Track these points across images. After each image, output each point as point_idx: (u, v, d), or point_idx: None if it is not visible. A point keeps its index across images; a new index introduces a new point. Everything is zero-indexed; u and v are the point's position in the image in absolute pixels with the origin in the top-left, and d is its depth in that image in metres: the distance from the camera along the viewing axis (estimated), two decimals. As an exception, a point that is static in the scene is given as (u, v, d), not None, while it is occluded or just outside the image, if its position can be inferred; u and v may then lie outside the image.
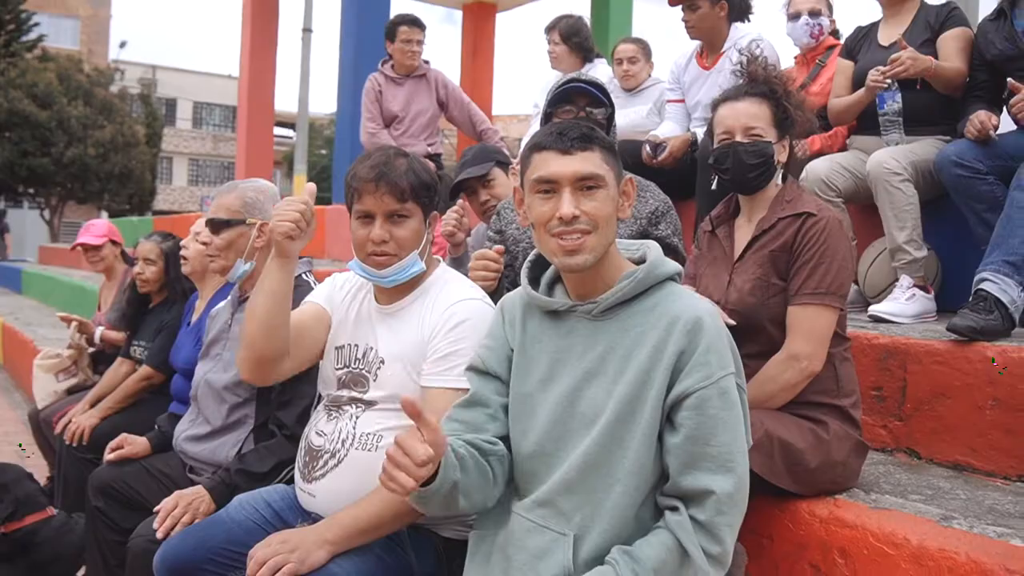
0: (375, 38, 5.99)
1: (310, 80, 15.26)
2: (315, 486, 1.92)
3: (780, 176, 2.13)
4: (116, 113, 26.34)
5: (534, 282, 1.66)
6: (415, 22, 5.01)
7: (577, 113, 2.53)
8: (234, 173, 18.16)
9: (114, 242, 4.52)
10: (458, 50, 10.67)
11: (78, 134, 24.54)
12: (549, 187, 1.53)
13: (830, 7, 3.89)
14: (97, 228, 4.52)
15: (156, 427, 2.83)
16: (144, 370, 3.43)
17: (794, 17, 3.80)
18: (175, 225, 9.62)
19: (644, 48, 4.52)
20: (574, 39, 4.52)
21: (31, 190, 25.88)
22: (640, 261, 1.60)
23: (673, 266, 1.57)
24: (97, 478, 2.60)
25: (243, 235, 2.52)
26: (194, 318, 3.12)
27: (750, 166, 2.06)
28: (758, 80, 2.15)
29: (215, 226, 2.56)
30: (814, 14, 3.75)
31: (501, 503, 1.62)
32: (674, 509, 1.44)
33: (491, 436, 1.60)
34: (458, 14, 10.83)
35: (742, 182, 2.10)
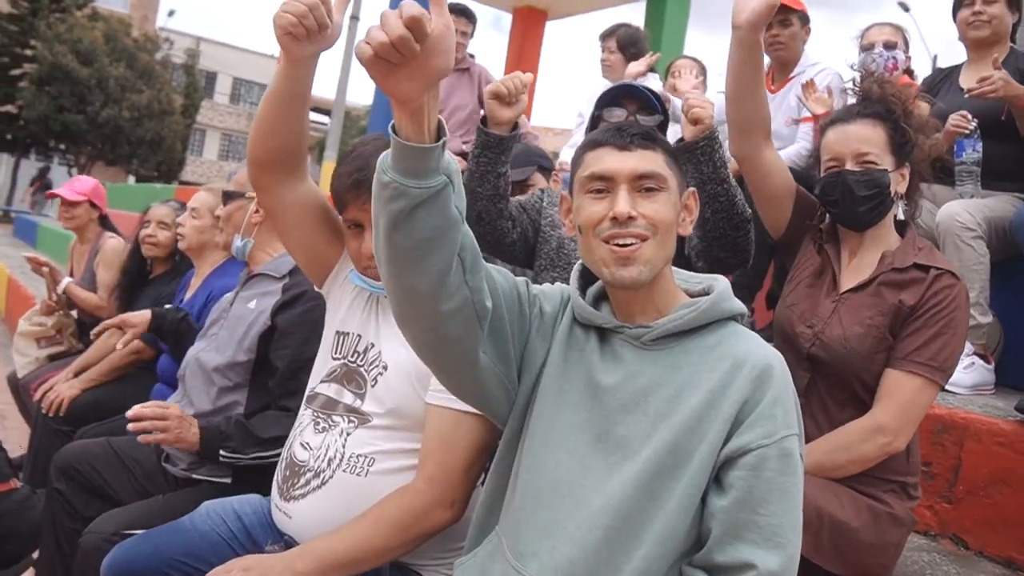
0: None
1: (351, 69, 15.15)
2: (293, 506, 1.67)
3: (900, 210, 1.87)
4: (156, 80, 26.43)
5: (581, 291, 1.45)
6: (464, 12, 4.79)
7: (627, 118, 2.33)
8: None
9: (93, 204, 4.24)
10: (503, 55, 10.50)
11: (115, 95, 24.60)
12: (603, 185, 1.32)
13: (906, 43, 3.66)
14: (80, 184, 4.27)
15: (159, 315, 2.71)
16: (134, 343, 3.23)
17: (867, 48, 3.57)
18: (197, 197, 9.47)
19: (700, 66, 4.30)
20: (631, 49, 4.32)
21: (62, 146, 25.97)
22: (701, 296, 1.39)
23: (741, 306, 1.35)
24: (62, 457, 2.38)
25: (241, 208, 2.36)
26: (188, 295, 2.93)
27: (861, 198, 1.80)
28: (873, 98, 1.89)
29: (225, 198, 2.46)
30: (889, 46, 3.50)
31: (493, 550, 1.35)
32: None
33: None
34: (506, 20, 10.65)
35: (852, 216, 1.84)
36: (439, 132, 1.14)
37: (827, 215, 1.96)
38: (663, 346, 1.30)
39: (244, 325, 2.27)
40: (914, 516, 1.77)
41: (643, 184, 1.30)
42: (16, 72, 24.85)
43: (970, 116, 2.73)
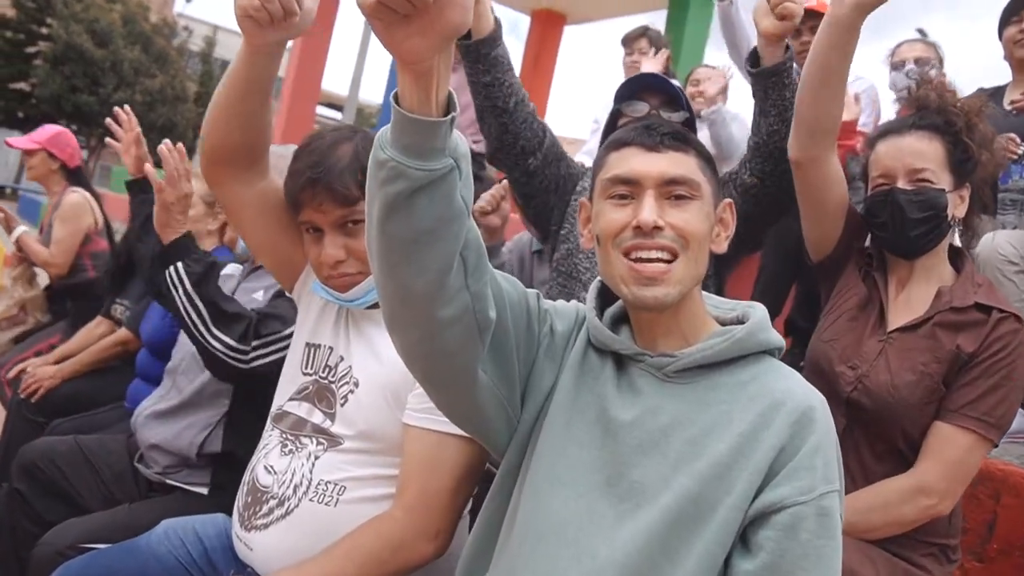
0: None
1: (366, 66, 15.05)
2: (255, 537, 1.50)
3: (956, 236, 1.69)
4: (171, 65, 26.39)
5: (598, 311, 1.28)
6: None
7: (649, 113, 2.15)
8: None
9: (52, 155, 3.90)
10: (518, 61, 10.39)
11: (129, 78, 24.55)
12: (626, 190, 1.16)
13: (940, 60, 3.48)
14: (39, 133, 3.94)
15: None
16: (122, 333, 3.09)
17: (898, 66, 3.39)
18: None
19: (724, 74, 4.11)
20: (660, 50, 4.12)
21: (74, 127, 25.92)
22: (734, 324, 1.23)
23: (779, 338, 1.18)
24: (25, 455, 2.22)
25: None
26: None
27: (914, 221, 1.61)
28: (930, 108, 1.68)
29: None
30: (921, 63, 3.29)
31: None
32: None
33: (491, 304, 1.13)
34: (523, 26, 10.55)
35: (903, 241, 1.65)
36: (449, 106, 0.96)
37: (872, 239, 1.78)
38: (689, 379, 1.14)
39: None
40: None
41: (673, 190, 1.15)
42: (31, 50, 24.84)
43: (1018, 139, 2.56)
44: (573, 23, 10.52)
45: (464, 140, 1.01)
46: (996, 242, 2.50)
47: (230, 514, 1.63)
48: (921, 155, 1.63)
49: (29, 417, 2.90)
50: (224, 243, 2.74)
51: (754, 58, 1.94)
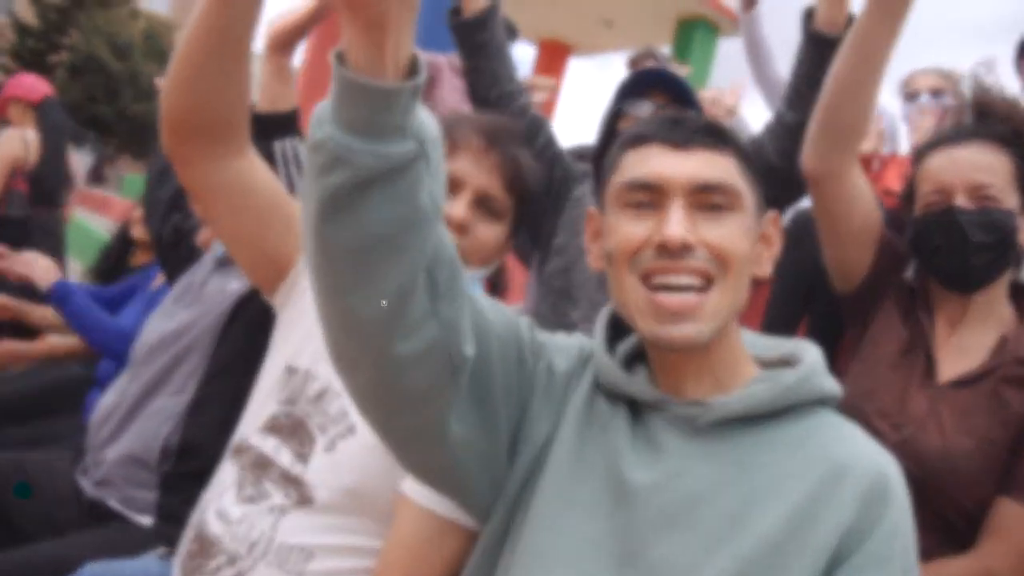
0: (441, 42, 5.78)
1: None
2: None
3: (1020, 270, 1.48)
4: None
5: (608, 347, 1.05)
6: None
7: (655, 112, 1.87)
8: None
9: (19, 100, 3.78)
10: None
11: (147, 92, 24.89)
12: (648, 197, 0.94)
13: (956, 90, 3.37)
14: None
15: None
16: (72, 341, 2.92)
17: (912, 96, 3.10)
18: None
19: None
20: None
21: (91, 136, 26.25)
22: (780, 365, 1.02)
23: (836, 386, 0.98)
24: None
25: None
26: (155, 283, 2.78)
27: (977, 245, 1.35)
28: (995, 117, 1.46)
29: None
30: (937, 93, 2.98)
31: None
32: None
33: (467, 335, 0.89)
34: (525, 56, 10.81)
35: (961, 270, 1.39)
36: (411, 71, 0.74)
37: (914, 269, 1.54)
38: (725, 435, 0.92)
39: (223, 298, 1.91)
40: None
41: (707, 199, 0.92)
42: (53, 59, 25.27)
43: None
44: (579, 54, 10.74)
45: (433, 120, 0.79)
46: None
47: (173, 547, 1.41)
48: (985, 168, 1.38)
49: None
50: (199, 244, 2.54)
51: (809, 17, 1.71)
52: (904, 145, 3.31)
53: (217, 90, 1.25)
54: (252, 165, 1.36)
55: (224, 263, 2.01)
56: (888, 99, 3.39)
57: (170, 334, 1.91)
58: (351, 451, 1.22)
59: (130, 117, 24.78)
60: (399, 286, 0.78)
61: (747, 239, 0.94)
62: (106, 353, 2.53)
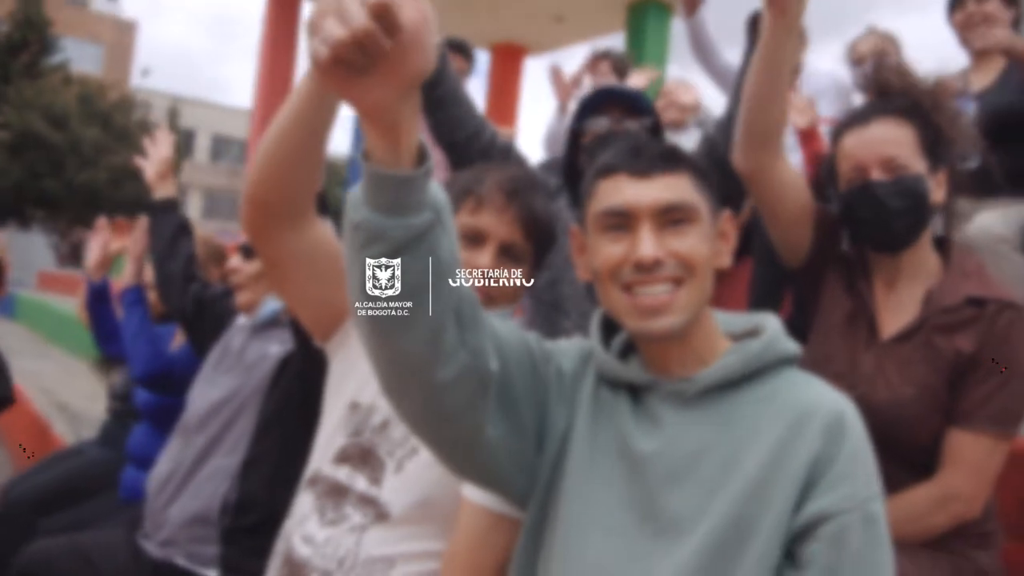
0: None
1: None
2: None
3: (943, 225, 1.63)
4: (133, 141, 26.25)
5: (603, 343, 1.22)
6: (460, 48, 3.96)
7: (612, 126, 2.09)
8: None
9: None
10: (480, 97, 10.42)
11: (91, 158, 24.38)
12: (620, 221, 1.12)
13: (898, 50, 3.39)
14: None
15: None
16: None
17: (859, 63, 3.29)
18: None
19: (691, 85, 4.02)
20: (624, 74, 4.03)
21: (41, 213, 25.65)
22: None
23: (795, 347, 1.16)
24: (21, 563, 2.14)
25: None
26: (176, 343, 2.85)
27: (897, 211, 1.52)
28: (893, 92, 1.62)
29: (246, 252, 2.20)
30: (880, 55, 3.16)
31: None
32: None
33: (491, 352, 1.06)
34: (481, 62, 10.61)
35: (887, 236, 1.56)
36: (421, 157, 0.91)
37: (848, 240, 1.69)
38: (709, 401, 1.11)
39: (265, 362, 2.10)
40: (1000, 565, 1.56)
41: (670, 217, 1.11)
42: (-10, 141, 24.66)
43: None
44: (534, 54, 10.55)
45: (441, 189, 0.97)
46: (984, 223, 2.41)
47: None
48: (892, 142, 1.54)
49: (16, 515, 2.74)
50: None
51: (754, 24, 1.86)
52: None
53: (303, 176, 1.37)
54: (316, 230, 1.47)
55: (260, 329, 2.20)
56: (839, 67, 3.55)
57: (218, 402, 2.10)
58: (417, 468, 1.37)
59: (76, 188, 24.21)
60: (434, 327, 0.96)
61: (707, 243, 1.12)
62: (129, 357, 2.64)
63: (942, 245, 1.65)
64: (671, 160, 1.13)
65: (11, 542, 2.54)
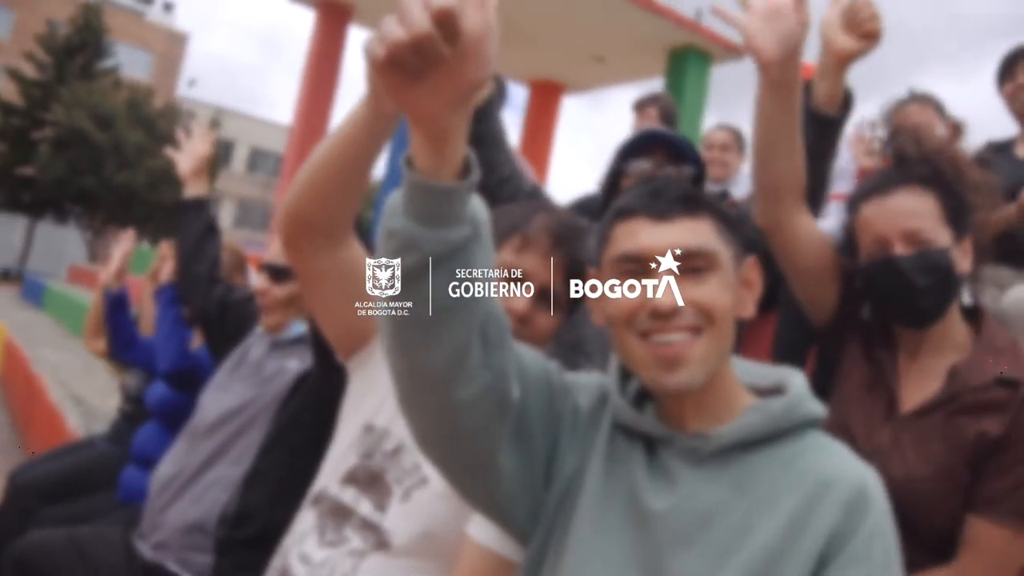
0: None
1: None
2: None
3: (969, 294, 1.58)
4: (174, 146, 26.73)
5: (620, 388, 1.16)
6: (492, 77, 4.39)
7: (654, 170, 2.04)
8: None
9: None
10: (517, 129, 10.54)
11: (132, 160, 24.83)
12: (636, 267, 1.06)
13: (941, 113, 3.35)
14: None
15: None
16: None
17: (895, 134, 3.25)
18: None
19: (738, 138, 4.05)
20: (670, 123, 4.07)
21: (77, 209, 26.14)
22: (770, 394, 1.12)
23: (821, 409, 1.09)
24: (17, 549, 2.16)
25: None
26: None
27: (922, 289, 1.44)
28: (911, 160, 1.56)
29: (276, 273, 2.16)
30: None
31: None
32: None
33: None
34: (518, 97, 10.74)
35: (913, 312, 1.49)
36: (466, 168, 0.89)
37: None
38: (726, 461, 1.04)
39: (283, 377, 2.10)
40: None
41: (689, 263, 1.05)
42: (36, 135, 25.24)
43: None
44: (572, 92, 10.65)
45: (483, 204, 0.93)
46: (1021, 295, 2.37)
47: None
48: (915, 213, 1.47)
49: (19, 504, 2.78)
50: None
51: (807, 93, 1.75)
52: None
53: (346, 196, 1.36)
54: (351, 250, 1.46)
55: (279, 345, 2.20)
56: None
57: (230, 410, 2.10)
58: (424, 500, 1.33)
59: (115, 187, 24.63)
60: (459, 344, 0.93)
61: (728, 291, 1.06)
62: (159, 351, 2.69)
63: (973, 315, 1.58)
64: (691, 203, 1.08)
65: (12, 528, 2.59)
